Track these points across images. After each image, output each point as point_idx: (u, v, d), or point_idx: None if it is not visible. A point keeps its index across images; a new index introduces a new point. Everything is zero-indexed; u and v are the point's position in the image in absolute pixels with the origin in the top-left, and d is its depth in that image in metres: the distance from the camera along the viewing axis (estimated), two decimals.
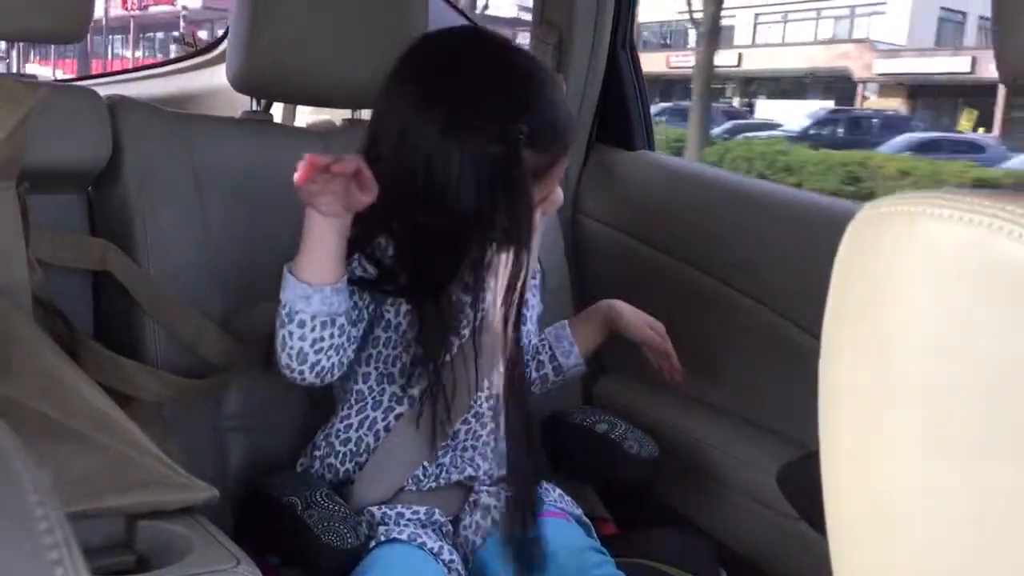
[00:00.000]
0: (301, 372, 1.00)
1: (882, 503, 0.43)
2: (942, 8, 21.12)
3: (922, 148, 12.60)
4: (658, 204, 1.51)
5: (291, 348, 0.99)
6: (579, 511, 1.17)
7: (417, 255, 1.06)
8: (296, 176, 0.91)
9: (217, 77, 2.08)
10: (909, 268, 0.40)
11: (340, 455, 1.11)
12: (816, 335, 1.39)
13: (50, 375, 0.87)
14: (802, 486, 1.24)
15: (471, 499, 1.11)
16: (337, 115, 1.44)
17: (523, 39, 1.67)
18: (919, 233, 0.41)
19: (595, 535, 1.14)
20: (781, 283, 1.33)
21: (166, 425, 1.04)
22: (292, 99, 1.39)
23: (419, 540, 1.03)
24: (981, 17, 19.82)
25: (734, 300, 1.38)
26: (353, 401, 1.12)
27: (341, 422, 1.12)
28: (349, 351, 1.03)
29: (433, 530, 1.07)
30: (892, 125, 15.40)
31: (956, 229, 0.39)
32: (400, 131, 1.01)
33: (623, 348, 1.53)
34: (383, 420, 1.10)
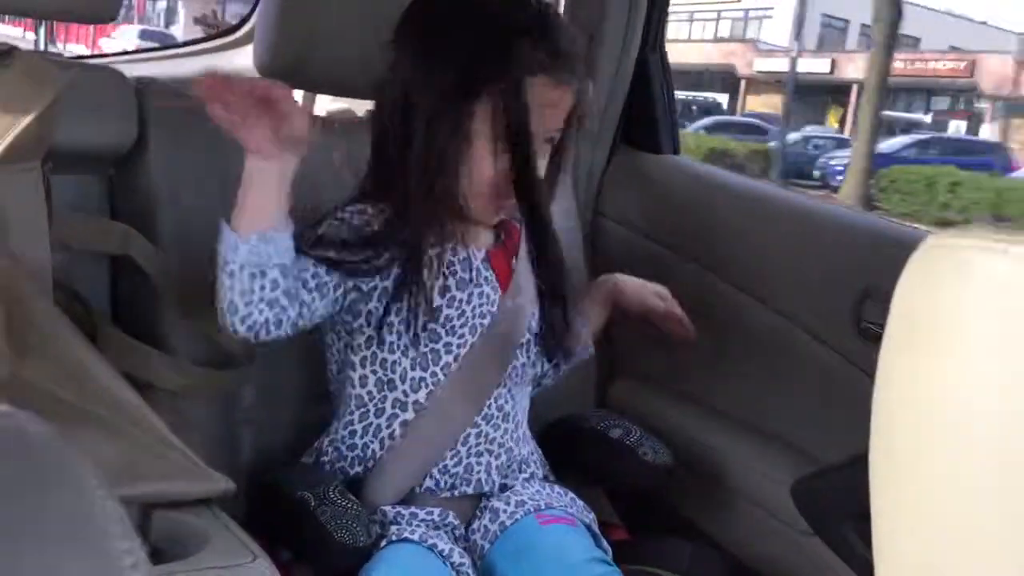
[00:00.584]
0: (232, 324, 0.97)
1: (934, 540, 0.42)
2: (823, 15, 24.20)
3: (718, 128, 17.03)
4: (681, 209, 1.50)
5: (222, 299, 0.96)
6: (590, 516, 1.16)
7: (413, 223, 1.04)
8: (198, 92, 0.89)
9: (238, 59, 2.07)
10: (970, 305, 0.40)
11: (349, 459, 1.10)
12: (837, 350, 1.38)
13: (70, 360, 0.86)
14: (817, 501, 1.24)
15: (482, 504, 1.11)
16: (358, 105, 1.43)
17: None
18: (980, 270, 0.40)
19: (605, 543, 1.13)
20: (802, 294, 1.32)
21: (185, 415, 1.03)
22: (318, 87, 1.38)
23: (430, 541, 1.02)
24: (863, 24, 21.84)
25: (754, 309, 1.37)
26: (354, 407, 1.10)
27: (344, 428, 1.11)
28: (291, 312, 0.98)
29: (445, 532, 1.07)
30: (707, 109, 20.07)
31: (1018, 267, 0.38)
32: (402, 96, 1.02)
33: (638, 351, 1.52)
34: (387, 427, 1.09)
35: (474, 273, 1.10)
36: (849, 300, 1.23)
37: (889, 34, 9.54)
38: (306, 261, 1.01)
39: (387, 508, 1.06)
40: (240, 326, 0.97)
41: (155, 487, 0.83)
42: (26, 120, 0.84)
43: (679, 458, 1.26)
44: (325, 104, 1.74)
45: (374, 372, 1.09)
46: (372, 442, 1.09)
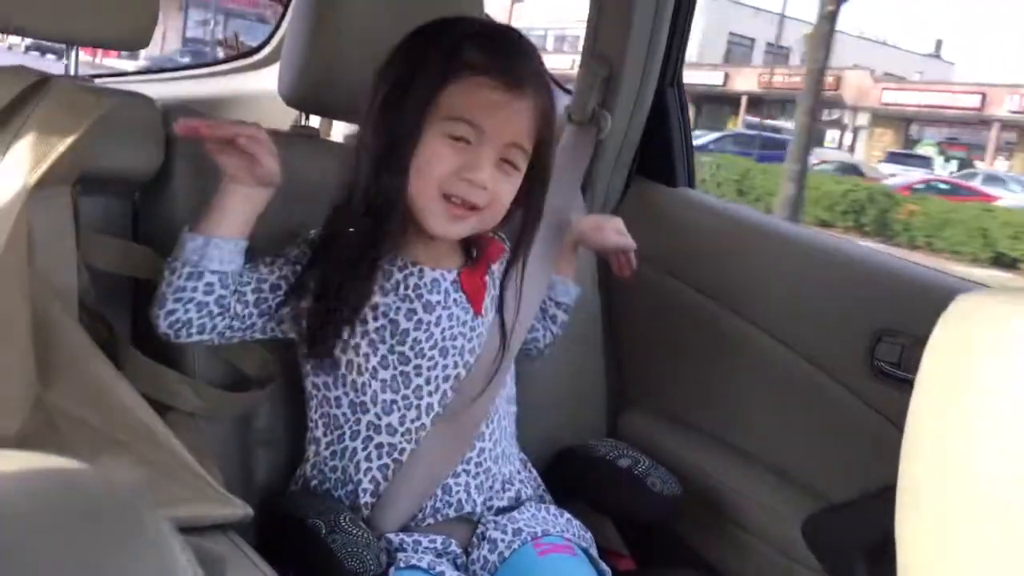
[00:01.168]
0: (156, 317, 1.01)
1: None
2: (731, 33, 26.74)
3: None
4: (696, 242, 1.51)
5: (157, 293, 1.01)
6: (587, 538, 1.16)
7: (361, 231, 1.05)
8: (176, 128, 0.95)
9: (257, 80, 2.10)
10: (1002, 360, 0.41)
11: (332, 481, 1.11)
12: (848, 387, 1.38)
13: (95, 383, 0.88)
14: (828, 537, 1.24)
15: (479, 531, 1.11)
16: None
17: None
18: (1011, 326, 0.41)
19: (603, 566, 1.14)
20: (815, 331, 1.33)
21: (202, 436, 1.04)
22: (337, 114, 1.40)
23: (438, 568, 1.03)
24: (768, 43, 26.66)
25: (766, 344, 1.37)
26: (332, 428, 1.11)
27: (326, 449, 1.12)
28: (219, 321, 1.03)
29: (448, 559, 1.07)
30: None
31: None
32: (372, 116, 1.06)
33: (649, 382, 1.53)
34: (363, 450, 1.10)
35: (443, 295, 1.11)
36: (862, 338, 1.24)
37: (821, 57, 10.15)
38: (250, 274, 1.06)
39: (392, 536, 1.06)
40: (163, 321, 1.01)
41: (176, 512, 0.84)
42: (61, 148, 0.85)
43: (688, 490, 1.27)
44: (342, 129, 1.76)
45: (346, 394, 1.10)
46: (349, 465, 1.10)
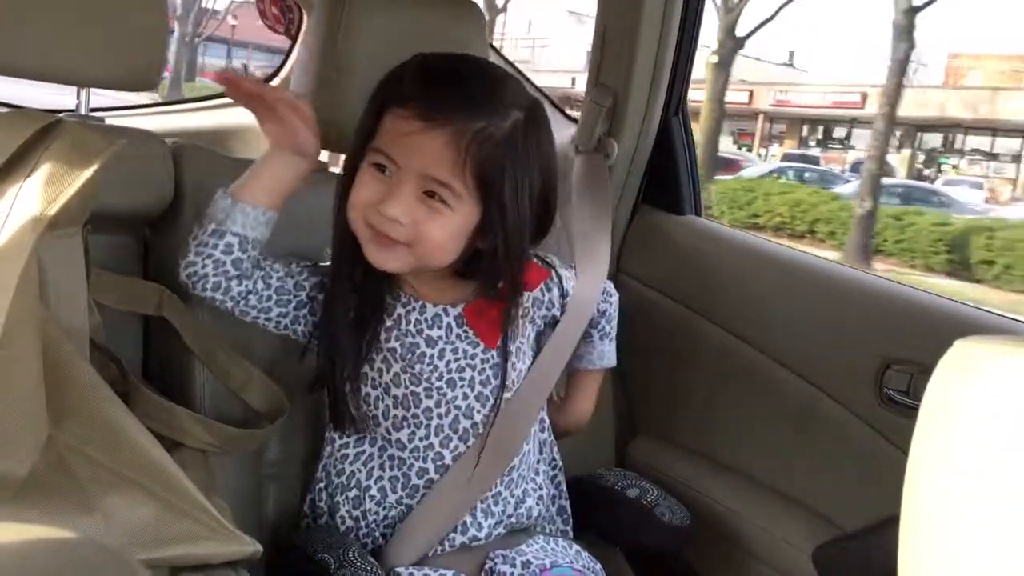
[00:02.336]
0: (178, 265, 1.05)
1: None
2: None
3: None
4: (702, 270, 1.51)
5: (185, 244, 1.05)
6: (597, 572, 1.15)
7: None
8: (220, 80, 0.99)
9: None
10: (997, 406, 0.41)
11: (335, 485, 1.12)
12: (858, 415, 1.38)
13: (105, 422, 0.88)
14: (839, 567, 1.23)
15: (487, 566, 1.10)
16: None
17: None
18: (1009, 378, 0.41)
19: None
20: (823, 359, 1.33)
21: (211, 473, 1.04)
22: (344, 150, 1.41)
23: None
24: None
25: (774, 372, 1.37)
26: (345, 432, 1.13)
27: (339, 451, 1.13)
28: (235, 285, 1.05)
29: None
30: None
31: None
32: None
33: (658, 411, 1.53)
34: (379, 458, 1.11)
35: (444, 331, 1.10)
36: (871, 366, 1.24)
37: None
38: (283, 265, 1.10)
39: (401, 569, 1.06)
40: (183, 270, 1.05)
41: (184, 550, 0.84)
42: (72, 190, 0.86)
43: (697, 519, 1.26)
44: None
45: (364, 402, 1.11)
46: (360, 470, 1.11)
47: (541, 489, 1.21)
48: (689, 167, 1.58)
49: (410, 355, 1.09)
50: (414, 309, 1.10)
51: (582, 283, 1.23)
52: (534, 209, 1.03)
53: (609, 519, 1.30)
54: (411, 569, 1.06)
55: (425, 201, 0.99)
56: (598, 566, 1.16)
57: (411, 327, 1.10)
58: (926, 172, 17.07)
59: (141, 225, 1.21)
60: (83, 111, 1.18)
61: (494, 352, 1.12)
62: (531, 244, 1.07)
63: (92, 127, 1.04)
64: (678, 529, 1.25)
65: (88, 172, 0.88)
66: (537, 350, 1.18)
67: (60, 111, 1.15)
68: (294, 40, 2.14)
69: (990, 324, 1.20)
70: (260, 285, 1.07)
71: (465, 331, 1.11)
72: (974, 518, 0.42)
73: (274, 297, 1.08)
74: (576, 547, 1.16)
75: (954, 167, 17.75)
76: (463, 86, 1.01)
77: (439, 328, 1.10)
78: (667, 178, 1.58)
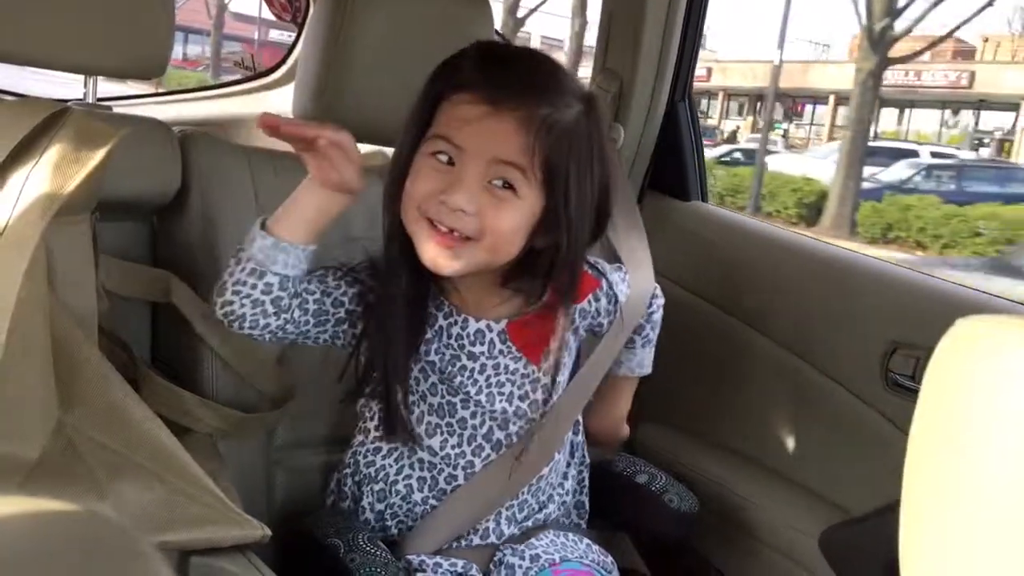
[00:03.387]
0: (215, 304, 0.99)
1: None
2: (543, 36, 27.75)
3: None
4: (709, 256, 1.51)
5: (220, 280, 0.98)
6: (608, 565, 1.15)
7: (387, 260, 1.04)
8: (257, 123, 0.92)
9: (272, 100, 2.12)
10: (999, 385, 0.41)
11: (363, 475, 1.11)
12: (864, 400, 1.37)
13: (115, 407, 0.89)
14: (846, 551, 1.23)
15: (496, 557, 1.10)
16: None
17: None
18: (1009, 358, 0.41)
19: None
20: (829, 343, 1.33)
21: (220, 458, 1.05)
22: (356, 138, 1.42)
23: None
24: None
25: (781, 357, 1.37)
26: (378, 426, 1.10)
27: (372, 442, 1.11)
28: (273, 321, 0.99)
29: None
30: None
31: None
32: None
33: (666, 397, 1.53)
34: (410, 457, 1.09)
35: (487, 347, 1.07)
36: (877, 351, 1.24)
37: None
38: (318, 284, 1.03)
39: (411, 557, 1.07)
40: (219, 309, 0.99)
41: (193, 534, 0.85)
42: (78, 178, 0.87)
43: (705, 505, 1.27)
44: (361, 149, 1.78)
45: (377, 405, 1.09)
46: (391, 466, 1.10)
47: (568, 495, 1.20)
48: (695, 152, 1.58)
49: (450, 368, 1.07)
50: (456, 323, 1.07)
51: (633, 288, 1.20)
52: (595, 204, 1.00)
53: (618, 505, 1.30)
54: (422, 557, 1.07)
55: (490, 190, 0.95)
56: (608, 559, 1.15)
57: (452, 341, 1.07)
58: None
59: (149, 212, 1.22)
60: (90, 99, 1.19)
61: (535, 367, 1.08)
62: (589, 244, 1.04)
63: (99, 115, 1.05)
64: (686, 515, 1.25)
65: (95, 159, 0.89)
66: (577, 357, 1.16)
67: (68, 100, 1.16)
68: (300, 28, 2.13)
69: (998, 308, 1.20)
70: (297, 313, 1.01)
71: (508, 347, 1.08)
72: (975, 499, 0.42)
73: (311, 321, 1.03)
74: (587, 541, 1.15)
75: (784, 132, 20.92)
76: (528, 71, 0.99)
77: (481, 344, 1.07)
78: (673, 164, 1.58)
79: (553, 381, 1.09)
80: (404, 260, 1.01)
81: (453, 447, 1.08)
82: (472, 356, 1.07)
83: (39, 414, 0.84)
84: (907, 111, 21.99)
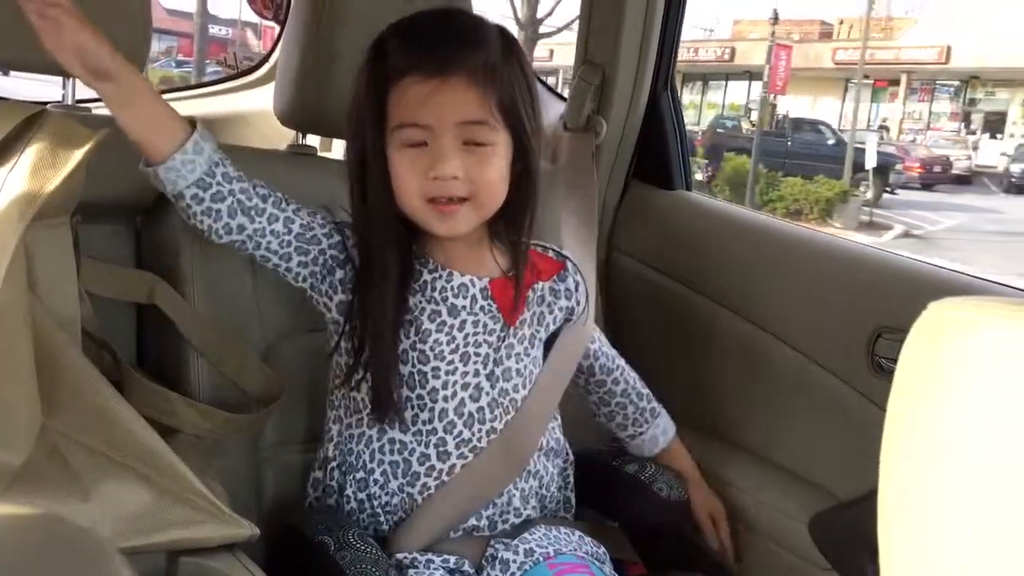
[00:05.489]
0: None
1: None
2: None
3: None
4: (694, 244, 1.51)
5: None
6: (601, 555, 1.14)
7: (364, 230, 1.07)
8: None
9: (255, 100, 2.11)
10: (970, 375, 0.41)
11: (347, 465, 1.11)
12: (851, 385, 1.38)
13: (99, 409, 0.89)
14: (835, 535, 1.24)
15: (488, 553, 1.09)
16: None
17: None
18: (981, 340, 0.41)
19: None
20: (815, 329, 1.33)
21: (208, 458, 1.05)
22: (337, 134, 1.42)
23: None
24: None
25: (767, 343, 1.38)
26: (352, 411, 1.11)
27: (347, 430, 1.12)
28: (244, 221, 1.02)
29: None
30: None
31: (1020, 337, 0.39)
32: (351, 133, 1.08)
33: (652, 386, 1.53)
34: (378, 441, 1.10)
35: (469, 301, 1.10)
36: (862, 335, 1.24)
37: None
38: (308, 216, 1.07)
39: (403, 554, 1.06)
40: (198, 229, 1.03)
41: (181, 534, 0.85)
42: (57, 180, 0.87)
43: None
44: (341, 144, 1.77)
45: (366, 381, 1.09)
46: (364, 452, 1.10)
47: (555, 491, 1.21)
48: (679, 142, 1.58)
49: (429, 324, 1.08)
50: (440, 277, 1.10)
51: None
52: (537, 114, 1.09)
53: (608, 495, 1.31)
54: (414, 554, 1.06)
55: (467, 150, 1.02)
56: (601, 550, 1.15)
57: (436, 294, 1.09)
58: None
59: (132, 214, 1.22)
60: (69, 101, 1.18)
61: (512, 331, 1.12)
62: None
63: (78, 116, 1.04)
64: (676, 503, 1.26)
65: (73, 161, 0.89)
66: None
67: (46, 103, 1.15)
68: (283, 25, 2.12)
69: (982, 290, 1.21)
70: (279, 227, 1.04)
71: (489, 304, 1.11)
72: (948, 478, 0.42)
73: (294, 243, 1.05)
74: (578, 533, 1.15)
75: None
76: (451, 31, 1.05)
77: (464, 298, 1.10)
78: (657, 153, 1.58)
79: (527, 350, 1.13)
80: (389, 230, 1.05)
81: (424, 423, 1.09)
82: (453, 310, 1.09)
83: (23, 419, 0.84)
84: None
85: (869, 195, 13.60)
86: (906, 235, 11.73)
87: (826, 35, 25.16)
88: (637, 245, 1.58)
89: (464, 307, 1.10)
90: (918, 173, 17.15)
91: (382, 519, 1.10)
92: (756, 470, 1.38)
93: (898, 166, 16.05)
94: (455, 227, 1.05)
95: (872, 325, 1.23)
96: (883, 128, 21.96)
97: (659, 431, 1.33)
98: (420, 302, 1.09)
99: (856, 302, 1.29)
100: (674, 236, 1.54)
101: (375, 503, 1.10)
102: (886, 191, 14.65)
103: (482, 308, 1.10)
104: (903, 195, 15.34)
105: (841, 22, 25.77)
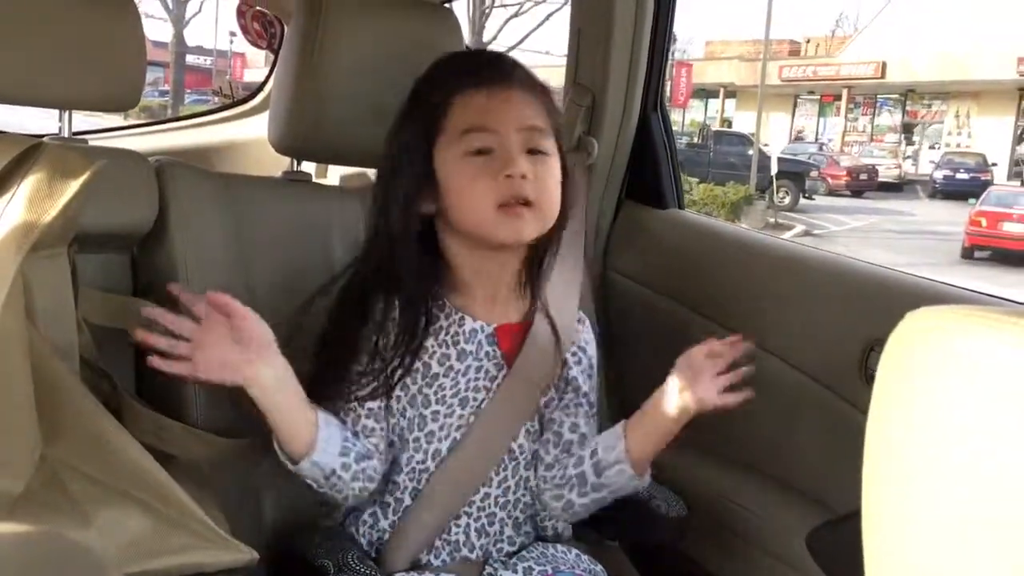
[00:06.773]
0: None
1: None
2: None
3: None
4: (687, 262, 1.52)
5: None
6: (598, 570, 1.15)
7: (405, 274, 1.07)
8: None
9: (250, 129, 2.14)
10: (945, 383, 0.42)
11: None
12: (846, 398, 1.39)
13: (98, 437, 0.90)
14: (833, 550, 1.24)
15: (487, 572, 1.10)
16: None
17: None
18: (955, 348, 0.42)
19: None
20: (809, 344, 1.34)
21: (207, 483, 1.05)
22: (329, 159, 1.43)
23: None
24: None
25: (761, 359, 1.38)
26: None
27: None
28: (378, 465, 1.07)
29: None
30: None
31: (993, 345, 0.40)
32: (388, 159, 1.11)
33: None
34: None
35: (475, 347, 1.11)
36: (856, 349, 1.25)
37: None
38: (374, 423, 1.09)
39: (401, 575, 1.07)
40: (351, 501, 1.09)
41: (181, 560, 0.86)
42: (53, 211, 0.88)
43: (693, 507, 1.27)
44: (338, 171, 1.79)
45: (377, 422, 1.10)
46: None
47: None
48: (670, 161, 1.60)
49: (439, 367, 1.09)
50: (455, 321, 1.10)
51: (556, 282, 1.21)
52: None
53: (605, 513, 1.30)
54: (412, 573, 1.07)
55: (530, 157, 1.05)
56: (599, 567, 1.15)
57: (448, 338, 1.10)
58: None
59: (129, 243, 1.23)
60: (66, 134, 1.20)
61: (506, 377, 1.12)
62: None
63: (73, 148, 1.05)
64: (675, 520, 1.25)
65: (70, 192, 0.90)
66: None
67: (43, 135, 1.17)
68: (276, 54, 2.15)
69: (974, 303, 1.21)
70: (375, 464, 1.07)
71: (493, 350, 1.11)
72: (927, 483, 0.43)
73: (382, 445, 1.09)
74: (576, 551, 1.15)
75: None
76: (495, 57, 1.14)
77: (472, 343, 1.10)
78: (649, 173, 1.60)
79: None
80: (415, 264, 1.07)
81: (418, 463, 1.10)
82: (462, 355, 1.10)
83: (22, 448, 0.84)
84: None
85: (788, 200, 14.99)
86: (806, 234, 12.77)
87: (794, 53, 27.40)
88: (631, 264, 1.59)
89: (471, 352, 1.10)
90: (845, 181, 18.67)
91: (375, 537, 1.11)
92: (754, 485, 1.38)
93: (813, 173, 17.16)
94: (521, 230, 1.05)
95: (865, 339, 1.24)
96: (820, 143, 23.14)
97: (603, 438, 1.19)
98: (433, 346, 1.09)
99: (849, 316, 1.30)
100: (668, 255, 1.55)
101: (372, 534, 1.11)
102: (804, 196, 15.83)
103: (487, 354, 1.11)
104: (828, 200, 16.68)
105: (808, 41, 28.57)
